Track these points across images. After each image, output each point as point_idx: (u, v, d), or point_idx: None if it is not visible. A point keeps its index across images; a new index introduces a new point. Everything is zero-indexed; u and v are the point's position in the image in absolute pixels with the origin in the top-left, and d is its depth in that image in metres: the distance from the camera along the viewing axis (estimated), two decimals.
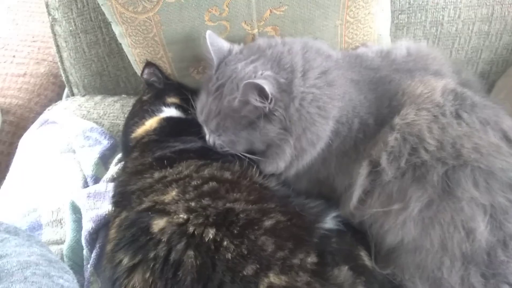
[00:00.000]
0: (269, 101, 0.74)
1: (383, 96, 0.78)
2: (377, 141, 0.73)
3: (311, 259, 0.66)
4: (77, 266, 0.83)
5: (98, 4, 0.96)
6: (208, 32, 0.85)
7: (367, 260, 0.72)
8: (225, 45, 0.86)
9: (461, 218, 0.64)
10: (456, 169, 0.66)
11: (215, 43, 0.85)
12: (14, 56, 1.50)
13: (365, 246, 0.74)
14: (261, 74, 0.77)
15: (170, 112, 0.98)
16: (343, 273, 0.66)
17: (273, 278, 0.62)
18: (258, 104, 0.74)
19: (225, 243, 0.65)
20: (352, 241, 0.74)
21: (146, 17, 0.93)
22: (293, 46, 0.81)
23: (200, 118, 0.86)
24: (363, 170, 0.73)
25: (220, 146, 0.84)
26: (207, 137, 0.86)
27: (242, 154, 0.83)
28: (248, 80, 0.72)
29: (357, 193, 0.73)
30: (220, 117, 0.80)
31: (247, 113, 0.77)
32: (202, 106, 0.84)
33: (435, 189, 0.66)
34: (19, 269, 0.59)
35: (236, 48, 0.86)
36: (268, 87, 0.72)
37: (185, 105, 1.00)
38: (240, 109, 0.77)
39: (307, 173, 0.81)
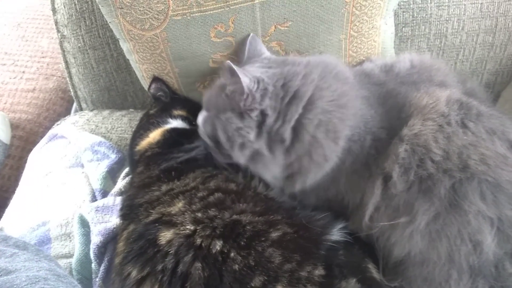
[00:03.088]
0: (244, 96, 0.74)
1: (392, 109, 0.78)
2: (389, 153, 0.73)
3: (319, 271, 0.65)
4: (85, 279, 0.83)
5: (106, 21, 0.98)
6: (253, 34, 0.91)
7: (375, 273, 0.71)
8: (262, 49, 0.90)
9: (468, 231, 0.64)
10: (463, 182, 0.66)
11: (254, 44, 0.89)
12: (23, 72, 1.52)
13: (373, 258, 0.73)
14: (255, 74, 0.77)
15: (175, 123, 0.99)
16: (351, 285, 0.65)
17: None
18: (231, 95, 0.75)
19: (232, 254, 0.65)
20: (360, 254, 0.73)
21: (153, 34, 0.95)
22: (312, 71, 0.79)
23: None
24: (377, 190, 0.73)
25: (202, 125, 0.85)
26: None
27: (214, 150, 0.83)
28: (230, 63, 0.72)
29: (369, 211, 0.73)
30: (211, 91, 0.82)
31: (224, 98, 0.78)
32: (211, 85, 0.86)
33: (442, 202, 0.66)
34: (28, 284, 0.59)
35: (268, 54, 0.89)
36: (245, 81, 0.72)
37: (192, 117, 1.01)
38: (223, 91, 0.78)
39: (314, 190, 0.80)
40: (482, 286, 0.64)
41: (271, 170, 0.78)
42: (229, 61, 0.72)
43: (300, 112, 0.75)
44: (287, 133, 0.75)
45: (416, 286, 0.68)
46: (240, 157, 0.79)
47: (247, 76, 0.73)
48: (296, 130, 0.75)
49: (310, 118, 0.74)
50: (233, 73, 0.72)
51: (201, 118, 0.85)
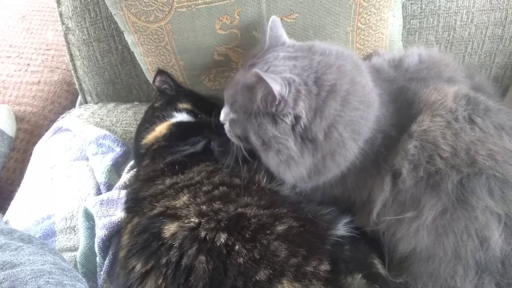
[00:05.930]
0: (277, 102, 0.70)
1: (402, 106, 0.77)
2: (398, 150, 0.72)
3: (324, 266, 0.65)
4: (90, 273, 0.84)
5: (111, 13, 0.97)
6: (274, 17, 0.83)
7: (380, 268, 0.71)
8: (284, 35, 0.83)
9: (475, 226, 0.63)
10: (471, 177, 0.65)
11: (275, 29, 0.82)
12: (28, 65, 1.52)
13: (379, 253, 0.73)
14: (284, 75, 0.71)
15: (181, 117, 0.98)
16: (357, 281, 0.65)
17: (286, 285, 0.62)
18: (262, 102, 0.71)
19: (236, 247, 0.65)
20: (366, 249, 0.73)
21: (158, 27, 0.94)
22: (344, 64, 0.74)
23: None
24: (387, 187, 0.72)
25: (227, 122, 0.81)
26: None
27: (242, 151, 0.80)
28: (258, 71, 0.67)
29: (377, 208, 0.72)
30: (236, 89, 0.77)
31: (256, 101, 0.72)
32: (231, 78, 0.81)
33: (449, 197, 0.65)
34: (32, 278, 0.59)
35: (292, 42, 0.83)
36: (277, 88, 0.67)
37: (197, 110, 1.01)
38: (250, 92, 0.73)
39: (322, 188, 0.79)
40: (488, 282, 0.64)
41: (297, 171, 0.75)
42: (257, 69, 0.68)
43: (337, 108, 0.71)
44: (321, 132, 0.71)
45: (422, 282, 0.68)
46: (273, 160, 0.76)
47: (277, 81, 0.68)
48: (328, 128, 0.72)
49: (342, 116, 0.71)
50: (262, 81, 0.68)
51: (224, 115, 0.81)
